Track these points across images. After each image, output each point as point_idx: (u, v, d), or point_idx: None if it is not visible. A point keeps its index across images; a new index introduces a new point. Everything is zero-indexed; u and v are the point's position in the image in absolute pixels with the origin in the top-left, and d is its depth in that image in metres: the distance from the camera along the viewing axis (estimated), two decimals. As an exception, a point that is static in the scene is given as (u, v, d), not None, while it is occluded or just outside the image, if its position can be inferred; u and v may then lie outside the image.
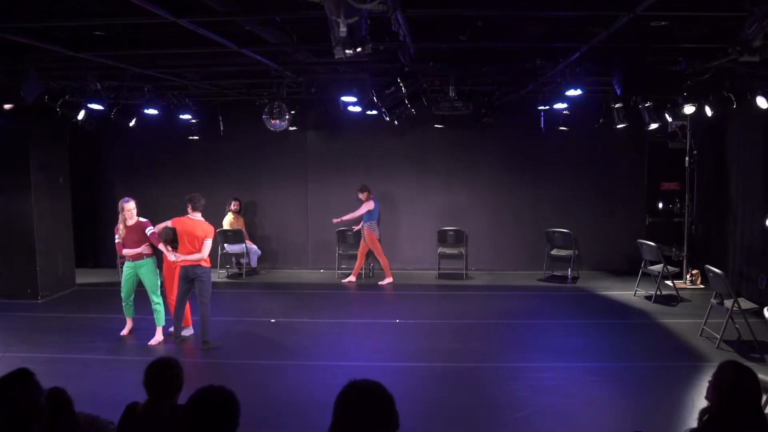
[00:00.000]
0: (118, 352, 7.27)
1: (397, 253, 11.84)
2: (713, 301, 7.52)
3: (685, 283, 10.31)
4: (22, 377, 2.55)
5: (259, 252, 11.57)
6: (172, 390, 3.16)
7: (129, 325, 7.75)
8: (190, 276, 7.19)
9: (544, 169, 11.64)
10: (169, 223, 7.30)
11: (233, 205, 11.45)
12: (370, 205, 10.64)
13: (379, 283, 10.81)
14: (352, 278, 11.00)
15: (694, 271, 10.31)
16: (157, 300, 7.50)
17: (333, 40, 3.91)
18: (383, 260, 10.86)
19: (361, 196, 10.72)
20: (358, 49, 3.96)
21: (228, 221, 11.35)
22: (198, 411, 2.40)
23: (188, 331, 7.69)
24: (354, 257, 11.47)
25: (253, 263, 11.54)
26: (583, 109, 10.08)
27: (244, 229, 11.47)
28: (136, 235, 7.42)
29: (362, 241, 10.83)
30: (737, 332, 7.28)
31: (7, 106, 8.55)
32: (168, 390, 3.15)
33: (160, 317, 7.52)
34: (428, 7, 5.01)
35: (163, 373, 3.20)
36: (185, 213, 7.30)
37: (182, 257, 7.14)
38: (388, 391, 2.20)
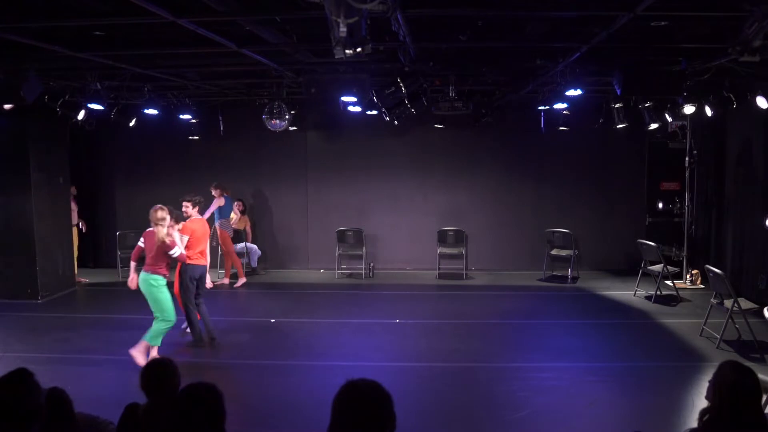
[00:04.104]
0: (118, 352, 7.26)
1: (397, 253, 11.85)
2: (713, 301, 7.52)
3: (685, 283, 10.31)
4: (22, 377, 2.55)
5: (259, 252, 11.57)
6: (169, 389, 3.16)
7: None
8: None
9: (544, 169, 11.64)
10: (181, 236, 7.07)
11: (236, 206, 11.44)
12: (220, 202, 10.54)
13: (235, 285, 10.60)
14: (225, 280, 10.72)
15: (694, 271, 10.31)
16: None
17: (333, 40, 3.91)
18: (236, 261, 10.71)
19: (214, 192, 10.52)
20: (358, 49, 3.96)
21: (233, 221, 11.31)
22: (183, 410, 2.37)
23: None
24: (354, 257, 11.49)
25: (253, 263, 11.54)
26: (583, 109, 10.08)
27: (249, 229, 11.46)
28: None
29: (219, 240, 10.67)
30: (737, 332, 7.28)
31: (7, 106, 8.55)
32: (166, 390, 3.15)
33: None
34: (428, 7, 5.00)
35: (158, 373, 3.20)
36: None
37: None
38: (386, 390, 2.20)
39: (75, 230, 10.72)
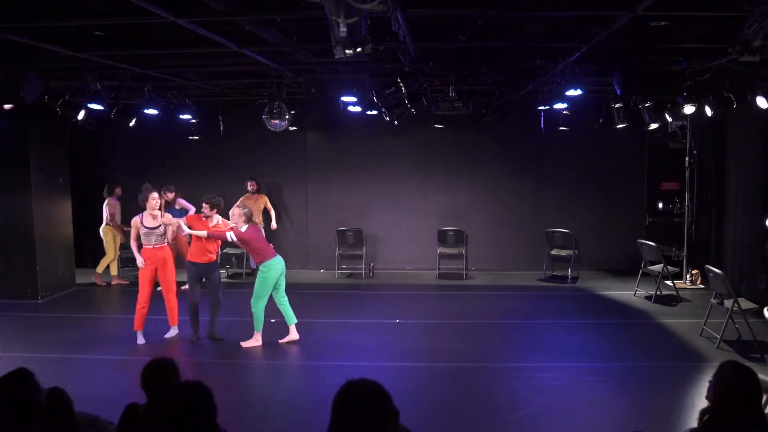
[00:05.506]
0: (118, 352, 7.27)
1: (397, 253, 11.85)
2: (713, 301, 7.52)
3: (685, 283, 10.31)
4: (22, 377, 2.55)
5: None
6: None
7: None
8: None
9: (544, 169, 11.64)
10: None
11: (250, 186, 11.20)
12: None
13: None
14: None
15: (694, 271, 10.31)
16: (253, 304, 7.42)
17: (333, 40, 3.91)
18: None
19: (171, 195, 10.33)
20: (358, 49, 3.96)
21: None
22: (172, 407, 2.35)
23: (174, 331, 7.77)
24: (354, 257, 11.48)
25: (253, 264, 11.51)
26: (583, 109, 10.08)
27: (267, 206, 11.33)
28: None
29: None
30: (737, 332, 7.27)
31: (7, 106, 8.57)
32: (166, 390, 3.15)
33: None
34: (428, 7, 5.00)
35: (158, 373, 3.20)
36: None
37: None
38: (386, 390, 2.20)
39: (120, 231, 10.66)
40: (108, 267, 10.76)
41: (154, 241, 7.41)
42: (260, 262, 7.37)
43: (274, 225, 11.26)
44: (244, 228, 7.22)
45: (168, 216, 7.61)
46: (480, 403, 5.82)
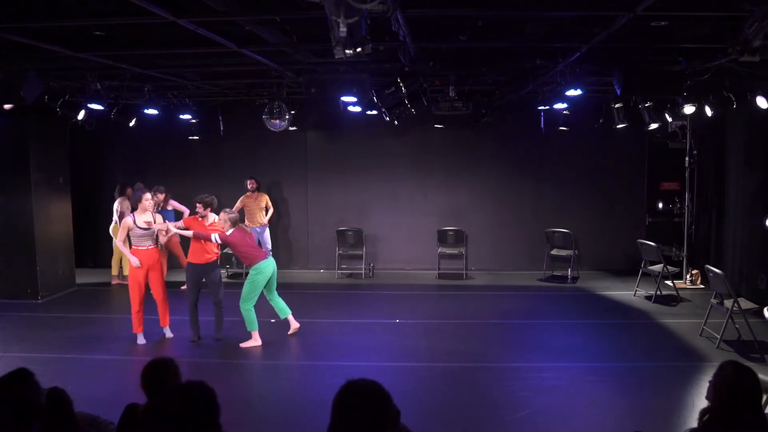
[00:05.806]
0: (117, 352, 7.27)
1: (397, 253, 11.85)
2: (713, 301, 7.52)
3: (685, 283, 10.31)
4: (22, 377, 2.55)
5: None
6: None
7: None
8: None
9: (544, 169, 11.64)
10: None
11: (249, 184, 11.16)
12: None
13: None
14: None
15: (694, 271, 10.31)
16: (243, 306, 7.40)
17: (333, 40, 3.91)
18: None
19: (160, 196, 10.04)
20: (358, 49, 3.96)
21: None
22: (174, 407, 2.35)
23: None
24: (354, 257, 11.48)
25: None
26: (583, 109, 10.08)
27: (268, 204, 11.29)
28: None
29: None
30: (737, 332, 7.28)
31: (7, 106, 8.56)
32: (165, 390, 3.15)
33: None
34: (428, 7, 5.00)
35: (158, 373, 3.20)
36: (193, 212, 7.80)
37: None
38: (386, 390, 2.20)
39: None
40: (121, 266, 10.67)
41: (146, 242, 7.35)
42: (249, 266, 7.41)
43: (265, 220, 11.24)
44: (229, 231, 7.28)
45: (160, 221, 7.56)
46: (480, 403, 5.82)
